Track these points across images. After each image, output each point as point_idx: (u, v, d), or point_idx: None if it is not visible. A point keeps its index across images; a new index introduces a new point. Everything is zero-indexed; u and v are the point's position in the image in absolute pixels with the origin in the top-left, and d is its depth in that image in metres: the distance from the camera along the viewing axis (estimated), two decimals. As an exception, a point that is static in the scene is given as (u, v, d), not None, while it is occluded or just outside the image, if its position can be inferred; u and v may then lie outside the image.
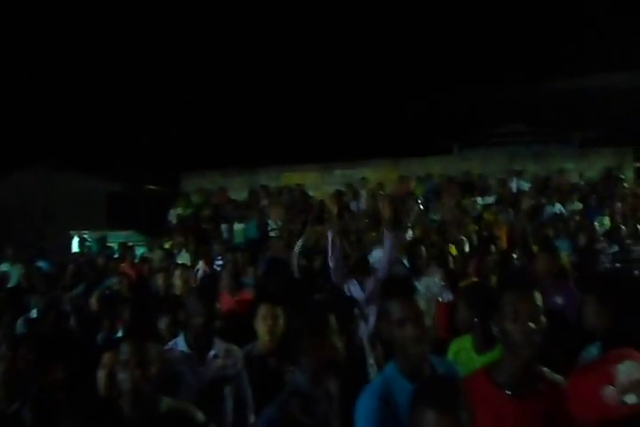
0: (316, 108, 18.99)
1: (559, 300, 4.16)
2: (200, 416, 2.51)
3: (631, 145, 14.20)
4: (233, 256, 5.41)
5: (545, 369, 2.10)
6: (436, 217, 10.81)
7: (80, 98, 17.97)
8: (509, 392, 1.98)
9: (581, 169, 13.47)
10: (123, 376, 2.30)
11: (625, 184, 12.39)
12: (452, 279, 5.23)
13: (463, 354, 3.12)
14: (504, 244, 9.06)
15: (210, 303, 3.12)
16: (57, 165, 17.23)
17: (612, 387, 1.41)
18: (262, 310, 3.29)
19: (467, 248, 7.97)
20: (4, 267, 8.45)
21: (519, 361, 2.00)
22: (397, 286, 2.34)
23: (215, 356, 3.07)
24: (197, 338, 3.08)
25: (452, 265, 5.88)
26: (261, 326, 3.26)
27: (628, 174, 13.38)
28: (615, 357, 1.48)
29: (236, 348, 3.23)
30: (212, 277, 5.53)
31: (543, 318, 2.01)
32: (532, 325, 1.97)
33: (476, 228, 9.60)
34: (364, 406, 2.10)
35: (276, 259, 7.64)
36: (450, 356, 3.22)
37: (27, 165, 17.31)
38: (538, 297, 2.03)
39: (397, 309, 2.19)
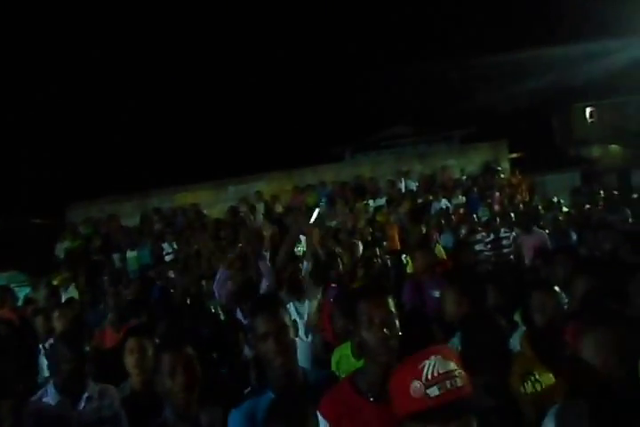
0: (204, 126, 18.77)
1: (436, 293, 4.32)
2: None
3: (506, 137, 15.17)
4: (114, 290, 5.15)
5: None
6: (332, 223, 10.98)
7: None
8: (372, 398, 2.00)
9: (462, 164, 14.18)
10: None
11: (502, 175, 13.24)
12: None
13: (344, 361, 3.15)
14: (396, 244, 9.35)
15: (77, 347, 2.98)
16: None
17: (418, 382, 1.48)
18: (129, 344, 3.16)
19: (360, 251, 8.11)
20: None
21: (378, 367, 2.01)
22: (261, 303, 2.37)
23: (88, 398, 2.95)
24: (67, 383, 2.95)
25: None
26: (129, 360, 3.13)
27: (504, 166, 14.26)
28: (425, 353, 1.56)
29: (111, 387, 3.09)
30: (79, 319, 5.21)
31: (397, 324, 2.05)
32: (386, 331, 2.00)
33: (370, 230, 9.83)
34: (230, 424, 2.16)
35: (165, 287, 7.44)
36: (333, 364, 3.24)
37: None
38: (390, 303, 2.08)
39: (260, 324, 2.22)
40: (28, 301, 8.14)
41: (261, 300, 2.53)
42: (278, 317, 2.24)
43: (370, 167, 15.11)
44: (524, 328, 2.98)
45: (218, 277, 5.13)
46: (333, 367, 3.24)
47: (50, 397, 2.97)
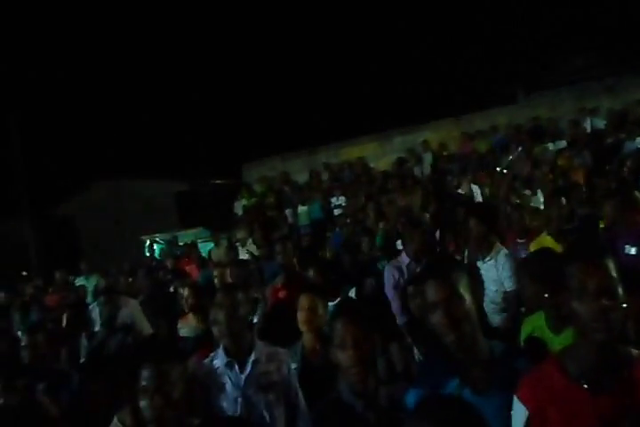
0: (366, 77, 18.47)
1: (632, 250, 3.62)
2: None
3: None
4: (283, 246, 5.17)
5: (634, 351, 1.74)
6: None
7: (139, 111, 18.42)
8: (585, 385, 1.65)
9: (662, 97, 12.20)
10: (144, 404, 2.12)
11: None
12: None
13: (538, 334, 2.73)
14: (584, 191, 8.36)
15: (232, 307, 2.84)
16: (125, 174, 17.91)
17: None
18: (301, 301, 3.16)
19: (540, 201, 7.39)
20: (80, 281, 8.77)
21: (594, 347, 1.66)
22: (431, 268, 2.13)
23: (255, 361, 2.82)
24: (233, 344, 2.84)
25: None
26: (300, 317, 3.13)
27: None
28: None
29: (281, 350, 2.96)
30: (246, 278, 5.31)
31: (620, 291, 1.65)
32: (604, 301, 1.62)
33: (551, 176, 8.92)
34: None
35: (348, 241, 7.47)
36: (522, 336, 2.85)
37: (95, 178, 18.12)
38: (611, 266, 1.67)
39: (429, 291, 2.00)
40: (210, 255, 8.77)
41: (432, 264, 2.27)
42: (449, 283, 1.96)
43: (548, 107, 13.71)
44: None
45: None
46: (522, 339, 2.86)
47: (219, 359, 2.90)
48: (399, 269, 4.47)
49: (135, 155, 18.47)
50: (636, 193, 5.58)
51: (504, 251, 4.36)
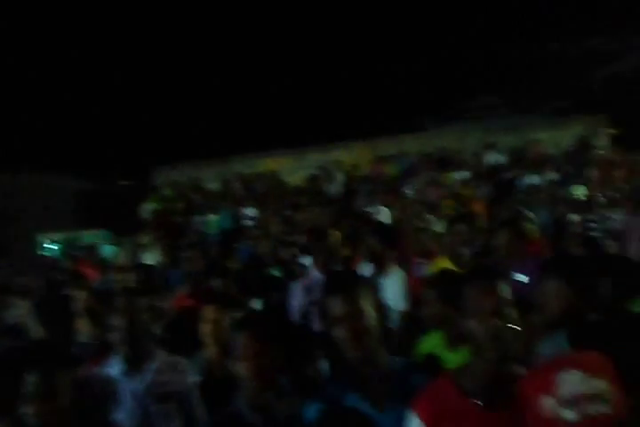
0: (287, 93, 18.66)
1: (521, 278, 3.90)
2: None
3: (604, 112, 14.04)
4: (191, 254, 5.12)
5: (519, 369, 1.89)
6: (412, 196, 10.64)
7: (43, 95, 17.46)
8: (478, 401, 1.73)
9: (555, 138, 13.30)
10: (27, 411, 2.02)
11: (600, 151, 12.27)
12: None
13: (435, 352, 2.86)
14: (484, 220, 8.89)
15: (134, 313, 2.79)
16: (24, 166, 16.84)
17: (550, 399, 1.19)
18: (204, 312, 3.04)
19: (442, 226, 7.77)
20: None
21: (486, 364, 1.75)
22: (337, 282, 2.18)
23: (155, 371, 2.73)
24: (132, 352, 2.76)
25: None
26: (203, 329, 3.01)
27: (602, 142, 13.23)
28: (563, 362, 1.26)
29: (182, 360, 2.88)
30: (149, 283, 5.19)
31: (511, 312, 1.78)
32: (497, 321, 1.74)
33: (453, 204, 9.43)
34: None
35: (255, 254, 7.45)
36: (421, 354, 2.98)
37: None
38: (503, 288, 1.82)
39: (334, 306, 2.03)
40: (111, 258, 8.44)
41: (337, 279, 2.33)
42: (352, 298, 2.02)
43: (455, 138, 14.51)
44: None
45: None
46: (420, 358, 3.00)
47: (116, 367, 2.80)
48: (307, 285, 4.53)
49: (38, 148, 17.42)
50: (527, 225, 6.08)
51: (398, 272, 4.54)
